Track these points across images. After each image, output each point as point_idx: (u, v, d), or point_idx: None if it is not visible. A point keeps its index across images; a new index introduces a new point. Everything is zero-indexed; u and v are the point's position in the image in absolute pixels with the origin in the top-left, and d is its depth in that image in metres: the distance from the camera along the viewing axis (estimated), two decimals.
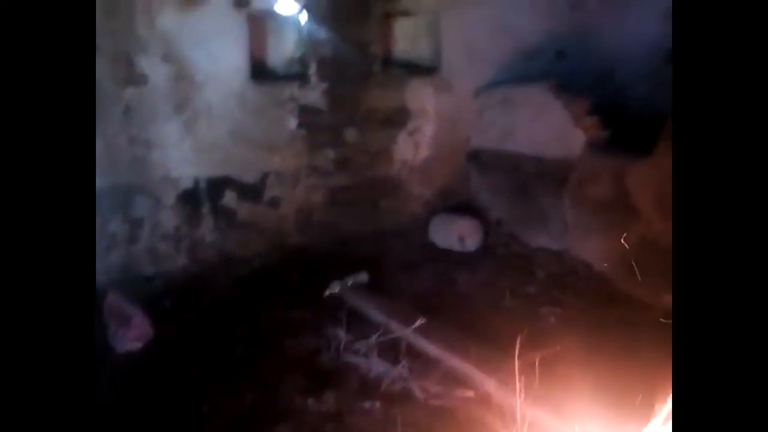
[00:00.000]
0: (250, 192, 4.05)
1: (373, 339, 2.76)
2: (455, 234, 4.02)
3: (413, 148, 4.52)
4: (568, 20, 4.79)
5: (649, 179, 3.12)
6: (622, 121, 3.98)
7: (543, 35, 4.67)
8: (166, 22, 3.54)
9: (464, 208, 4.41)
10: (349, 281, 3.47)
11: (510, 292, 3.27)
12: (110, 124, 3.52)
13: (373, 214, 4.47)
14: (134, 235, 3.75)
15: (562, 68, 4.67)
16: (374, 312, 3.08)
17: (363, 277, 3.54)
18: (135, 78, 3.54)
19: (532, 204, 4.02)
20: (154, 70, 3.58)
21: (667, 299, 2.78)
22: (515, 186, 4.16)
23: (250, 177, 4.02)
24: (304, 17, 3.96)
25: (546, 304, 3.10)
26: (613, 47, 4.94)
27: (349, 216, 4.38)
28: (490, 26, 4.48)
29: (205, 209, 3.94)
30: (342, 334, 2.86)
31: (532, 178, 4.00)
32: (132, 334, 2.99)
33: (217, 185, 3.93)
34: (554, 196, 3.78)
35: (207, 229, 3.97)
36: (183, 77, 3.67)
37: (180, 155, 3.77)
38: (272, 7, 3.84)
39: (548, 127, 3.94)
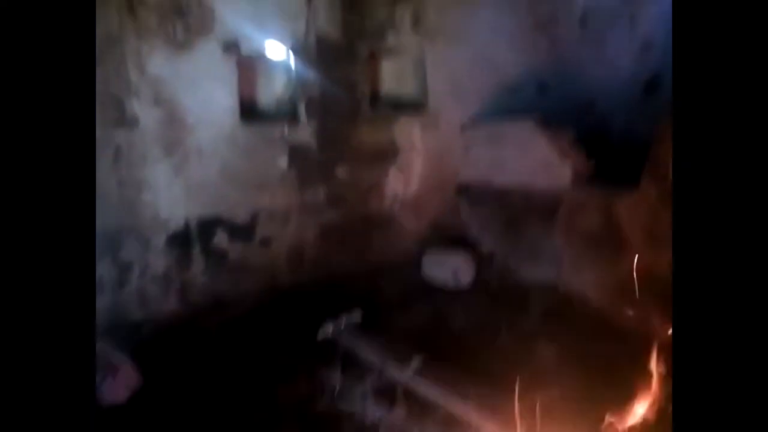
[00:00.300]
0: (241, 232, 4.02)
1: (369, 383, 2.71)
2: (448, 269, 4.01)
3: (403, 183, 4.56)
4: (548, 55, 4.95)
5: (638, 210, 3.17)
6: (605, 151, 4.07)
7: (524, 70, 4.81)
8: (157, 67, 3.57)
9: (456, 241, 4.43)
10: (343, 321, 3.42)
11: (506, 329, 3.25)
12: (100, 166, 3.49)
13: (366, 250, 4.46)
14: (123, 278, 3.68)
15: (545, 101, 4.80)
16: (369, 353, 3.03)
17: (356, 316, 3.50)
18: (126, 121, 3.55)
19: (523, 236, 4.05)
20: (145, 112, 3.59)
21: (666, 331, 2.78)
22: (505, 219, 4.20)
23: (240, 217, 4.00)
24: (292, 59, 4.03)
25: (543, 340, 3.08)
26: (593, 80, 5.10)
27: (341, 253, 4.37)
28: (473, 63, 4.61)
29: (196, 250, 3.90)
30: (337, 378, 2.80)
31: (521, 211, 4.04)
32: (119, 383, 2.90)
33: (208, 226, 3.90)
34: (545, 229, 3.81)
35: (197, 271, 3.92)
36: (174, 120, 3.68)
37: (170, 196, 3.75)
38: (261, 50, 3.91)
39: (535, 160, 4.00)
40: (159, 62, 3.56)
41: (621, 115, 5.17)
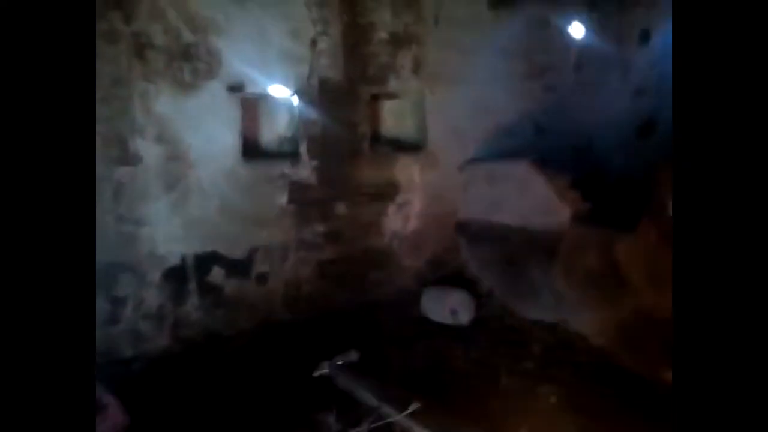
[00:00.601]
0: (238, 268, 3.99)
1: (365, 425, 2.61)
2: (447, 307, 3.96)
3: (403, 220, 4.58)
4: (545, 100, 5.09)
5: (638, 252, 3.17)
6: (602, 193, 4.11)
7: (522, 113, 4.93)
8: (163, 106, 3.67)
9: (455, 279, 4.39)
10: (339, 360, 3.34)
11: (506, 370, 3.17)
12: (99, 202, 3.51)
13: (364, 287, 4.42)
14: (116, 314, 3.62)
15: (542, 143, 4.89)
16: (366, 395, 2.94)
17: (353, 355, 3.41)
18: (128, 158, 3.60)
19: (522, 275, 4.02)
20: (148, 150, 3.65)
21: (667, 375, 2.72)
22: (504, 257, 4.18)
23: (238, 253, 3.99)
24: (295, 100, 4.14)
25: (544, 382, 3.00)
26: (589, 124, 5.22)
27: (339, 289, 4.33)
28: (472, 106, 4.73)
29: (191, 286, 3.85)
30: (332, 421, 2.70)
31: (520, 250, 4.03)
32: (105, 425, 2.78)
33: (205, 261, 3.88)
34: (544, 268, 3.79)
35: (192, 307, 3.86)
36: (176, 157, 3.74)
37: (168, 232, 3.74)
38: (265, 90, 4.02)
39: (533, 200, 4.03)
40: (165, 102, 3.66)
41: (617, 158, 5.26)
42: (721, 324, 1.21)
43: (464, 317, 3.96)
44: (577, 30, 5.06)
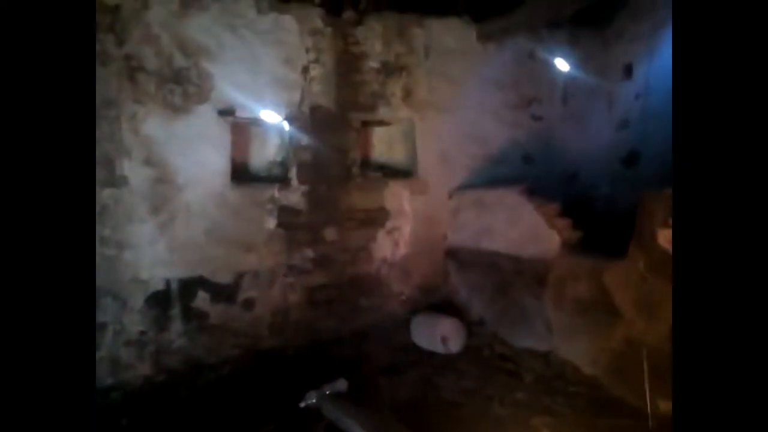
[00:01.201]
0: (224, 293, 3.90)
1: None
2: (438, 335, 3.90)
3: (392, 246, 4.55)
4: (533, 130, 5.19)
5: (627, 280, 3.17)
6: (590, 221, 4.15)
7: (510, 143, 5.02)
8: (152, 129, 3.63)
9: (445, 306, 4.35)
10: (327, 390, 3.24)
11: (498, 400, 3.11)
12: None
13: (353, 314, 4.35)
14: (95, 341, 3.49)
15: (530, 172, 4.96)
16: (354, 425, 2.85)
17: (342, 384, 3.32)
18: (114, 180, 3.54)
19: (513, 303, 3.99)
20: (135, 172, 3.60)
21: (662, 406, 2.69)
22: (495, 284, 4.16)
23: (225, 277, 3.90)
24: (286, 125, 4.14)
25: (536, 412, 2.94)
26: (575, 152, 5.33)
27: (327, 316, 4.25)
28: (461, 133, 4.80)
29: (175, 311, 3.75)
30: None
31: (510, 277, 4.02)
32: None
33: (190, 286, 3.79)
34: (535, 296, 3.78)
35: (175, 334, 3.74)
36: (164, 180, 3.69)
37: (153, 256, 3.66)
38: (256, 115, 4.02)
39: (522, 228, 4.05)
40: (154, 124, 3.63)
41: (604, 187, 5.36)
42: (721, 338, 1.20)
43: (454, 345, 3.90)
44: (563, 63, 5.21)
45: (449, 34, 4.76)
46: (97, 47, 3.43)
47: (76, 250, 1.27)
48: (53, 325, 1.21)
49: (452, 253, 4.64)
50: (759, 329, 1.16)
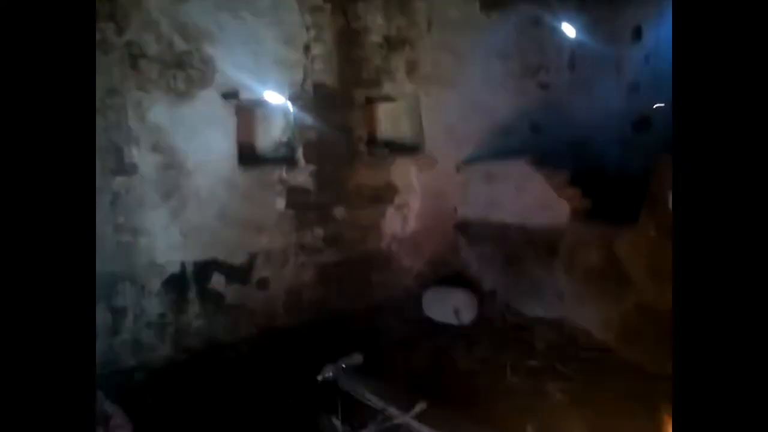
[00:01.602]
0: (238, 274, 3.98)
1: (372, 429, 2.59)
2: (450, 307, 3.95)
3: (402, 222, 4.57)
4: (540, 98, 5.10)
5: (638, 246, 3.16)
6: (601, 189, 4.11)
7: (517, 113, 4.95)
8: (158, 116, 3.66)
9: (457, 279, 4.38)
10: (343, 364, 3.31)
11: (511, 368, 3.15)
12: (97, 212, 3.49)
13: (365, 290, 4.40)
14: (117, 324, 3.60)
15: (539, 142, 4.90)
16: (371, 397, 2.91)
17: (357, 358, 3.38)
18: (124, 168, 3.59)
19: (524, 273, 4.01)
20: (144, 159, 3.64)
21: (669, 367, 2.71)
22: (505, 255, 4.18)
23: (238, 259, 3.97)
24: (290, 105, 4.14)
25: (550, 379, 2.98)
26: (584, 119, 5.24)
27: (340, 293, 4.31)
28: (467, 106, 4.74)
29: (192, 294, 3.83)
30: (338, 423, 2.68)
31: (521, 248, 4.03)
32: None
33: (205, 269, 3.86)
34: (545, 265, 3.79)
35: (193, 315, 3.84)
36: (172, 166, 3.73)
37: (167, 241, 3.73)
38: (260, 96, 4.02)
39: (532, 198, 4.04)
40: (159, 111, 3.65)
41: (614, 154, 5.28)
42: (721, 318, 1.21)
43: (467, 316, 3.94)
44: (569, 29, 5.09)
45: (452, 5, 4.67)
46: (98, 36, 3.43)
47: (75, 242, 1.28)
48: (52, 320, 1.23)
49: (462, 227, 4.64)
50: (759, 326, 1.17)
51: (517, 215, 4.09)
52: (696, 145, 1.27)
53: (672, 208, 1.30)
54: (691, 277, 1.24)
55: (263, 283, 4.08)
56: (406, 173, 4.57)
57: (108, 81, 3.50)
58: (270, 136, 4.34)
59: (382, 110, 4.76)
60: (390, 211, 4.53)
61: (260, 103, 4.13)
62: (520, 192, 4.14)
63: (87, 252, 1.32)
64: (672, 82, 1.33)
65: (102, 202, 3.52)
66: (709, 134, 1.25)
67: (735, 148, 1.22)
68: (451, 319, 3.93)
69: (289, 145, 4.24)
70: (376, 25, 4.39)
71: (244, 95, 3.92)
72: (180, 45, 3.70)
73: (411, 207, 4.61)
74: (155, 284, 3.72)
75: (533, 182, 4.00)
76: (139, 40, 3.57)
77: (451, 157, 4.69)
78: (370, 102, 4.57)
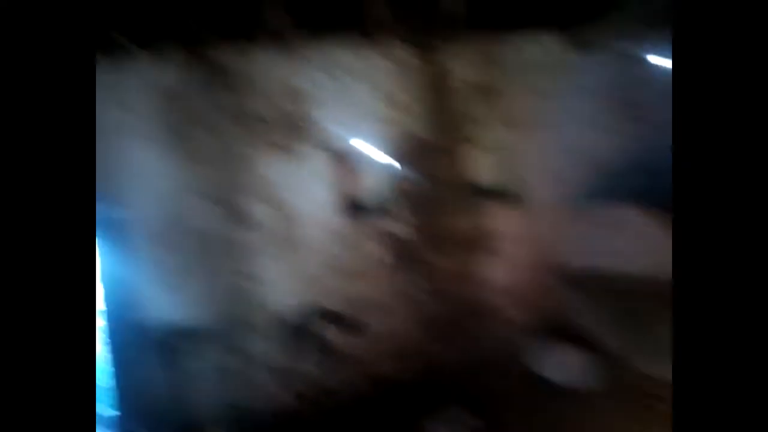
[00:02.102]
0: (343, 322, 4.08)
1: None
2: (560, 365, 3.71)
3: (504, 271, 4.46)
4: (642, 136, 4.84)
5: None
6: None
7: (619, 152, 4.72)
8: (267, 170, 3.97)
9: (566, 333, 4.13)
10: (446, 418, 3.20)
11: None
12: (214, 260, 3.78)
13: (467, 341, 4.32)
14: (232, 368, 3.79)
15: (646, 184, 4.61)
16: None
17: (460, 415, 3.27)
18: (237, 218, 3.88)
19: (642, 328, 3.69)
20: (257, 210, 3.92)
21: None
22: (621, 308, 3.89)
23: (343, 307, 4.08)
24: (387, 156, 4.27)
25: None
26: None
27: (441, 343, 4.27)
28: (565, 148, 4.61)
29: (301, 340, 3.97)
30: None
31: (639, 300, 3.73)
32: None
33: (313, 316, 4.00)
34: (669, 321, 3.46)
35: (301, 360, 3.96)
36: (282, 216, 3.98)
37: (279, 288, 3.95)
38: (357, 149, 4.20)
39: (643, 244, 3.77)
40: (268, 165, 3.95)
41: None
42: (722, 319, 1.23)
43: (581, 376, 3.67)
44: (666, 62, 4.84)
45: (539, 48, 4.65)
46: (213, 101, 3.80)
47: (75, 243, 1.30)
48: (53, 321, 1.25)
49: (569, 276, 4.41)
50: (760, 326, 1.19)
51: (632, 264, 3.83)
52: (696, 145, 1.29)
53: (672, 208, 1.34)
54: (691, 277, 1.28)
55: (367, 332, 4.13)
56: (506, 220, 4.48)
57: (222, 139, 3.84)
58: (370, 187, 4.48)
59: (478, 157, 4.74)
60: (492, 260, 4.44)
61: (358, 156, 4.31)
62: (629, 237, 3.89)
63: (88, 252, 1.35)
64: (672, 82, 1.35)
65: (219, 249, 3.82)
66: (709, 134, 1.28)
67: (735, 148, 1.24)
68: (562, 378, 3.68)
69: (389, 196, 4.35)
70: (464, 73, 4.47)
71: (343, 149, 4.13)
72: (285, 106, 4.01)
73: (513, 255, 4.49)
74: (268, 330, 3.91)
75: (645, 229, 3.75)
76: (249, 103, 3.91)
77: (553, 201, 4.54)
78: (463, 149, 4.58)
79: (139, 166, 3.63)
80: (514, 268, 4.48)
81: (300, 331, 3.96)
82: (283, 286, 3.94)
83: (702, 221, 1.26)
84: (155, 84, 3.62)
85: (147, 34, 3.40)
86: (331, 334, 4.01)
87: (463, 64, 4.48)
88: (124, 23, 3.19)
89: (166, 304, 3.68)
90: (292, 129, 4.03)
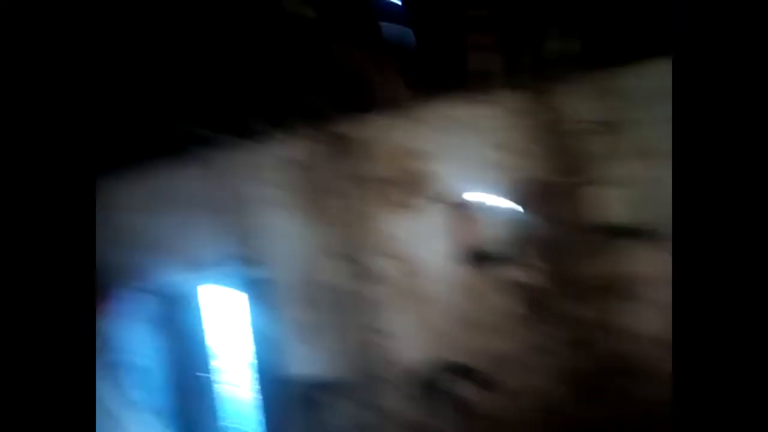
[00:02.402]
0: (477, 377, 3.93)
1: None
2: None
3: (654, 318, 3.90)
4: None
5: None
6: None
7: None
8: (388, 226, 4.18)
9: None
10: None
11: None
12: (346, 315, 3.99)
13: (618, 401, 3.80)
14: (367, 423, 3.86)
15: None
16: None
17: None
18: (365, 274, 4.07)
19: None
20: (381, 265, 4.09)
21: None
22: None
23: (472, 362, 3.95)
24: (509, 203, 4.20)
25: None
26: None
27: (586, 402, 3.82)
28: None
29: (433, 397, 3.90)
30: None
31: None
32: None
33: (445, 371, 3.93)
34: None
35: (436, 419, 3.87)
36: (406, 270, 4.09)
37: (407, 343, 3.99)
38: (477, 200, 4.22)
39: None
40: (390, 222, 4.16)
41: None
42: (722, 319, 1.25)
43: None
44: None
45: (661, 74, 4.28)
46: (338, 168, 4.15)
47: (75, 245, 1.37)
48: (52, 322, 1.31)
49: None
50: (760, 326, 1.22)
51: None
52: (696, 145, 1.33)
53: (672, 209, 1.40)
54: (692, 277, 1.33)
55: (503, 389, 3.92)
56: (649, 262, 3.99)
57: (349, 201, 4.16)
58: (493, 236, 4.41)
59: (609, 195, 4.39)
60: (637, 307, 3.95)
61: (479, 206, 4.31)
62: None
63: (86, 254, 1.41)
64: (672, 82, 1.38)
65: (346, 304, 4.00)
66: (709, 134, 1.31)
67: (735, 148, 1.27)
68: None
69: (513, 243, 4.21)
70: (584, 110, 4.29)
71: (463, 200, 4.19)
72: (405, 165, 4.24)
73: (662, 301, 3.92)
74: (398, 384, 3.94)
75: None
76: (371, 166, 4.22)
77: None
78: (591, 188, 4.29)
79: (278, 231, 4.10)
80: (664, 314, 3.87)
81: (431, 386, 3.91)
82: (410, 340, 3.99)
83: (702, 222, 1.33)
84: (287, 158, 4.16)
85: (278, 115, 3.99)
86: (464, 390, 3.86)
87: (580, 101, 4.32)
88: (259, 107, 3.80)
89: (303, 358, 3.92)
90: (410, 186, 4.23)
